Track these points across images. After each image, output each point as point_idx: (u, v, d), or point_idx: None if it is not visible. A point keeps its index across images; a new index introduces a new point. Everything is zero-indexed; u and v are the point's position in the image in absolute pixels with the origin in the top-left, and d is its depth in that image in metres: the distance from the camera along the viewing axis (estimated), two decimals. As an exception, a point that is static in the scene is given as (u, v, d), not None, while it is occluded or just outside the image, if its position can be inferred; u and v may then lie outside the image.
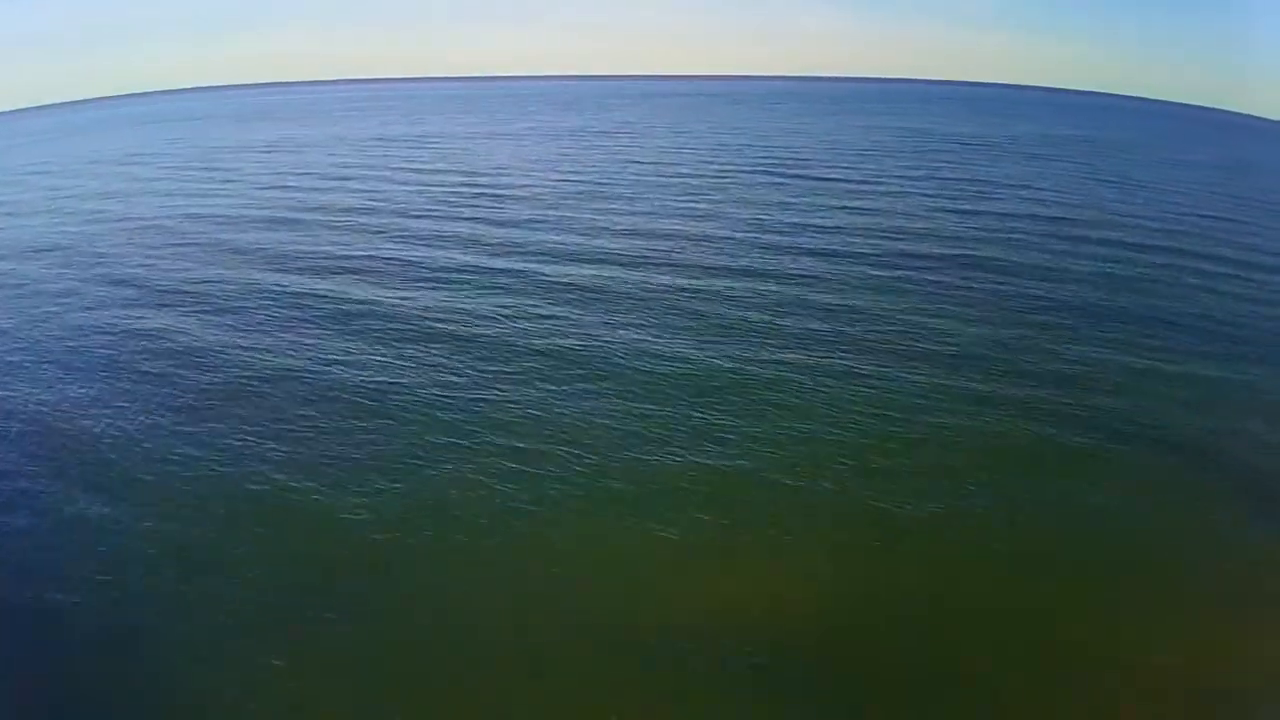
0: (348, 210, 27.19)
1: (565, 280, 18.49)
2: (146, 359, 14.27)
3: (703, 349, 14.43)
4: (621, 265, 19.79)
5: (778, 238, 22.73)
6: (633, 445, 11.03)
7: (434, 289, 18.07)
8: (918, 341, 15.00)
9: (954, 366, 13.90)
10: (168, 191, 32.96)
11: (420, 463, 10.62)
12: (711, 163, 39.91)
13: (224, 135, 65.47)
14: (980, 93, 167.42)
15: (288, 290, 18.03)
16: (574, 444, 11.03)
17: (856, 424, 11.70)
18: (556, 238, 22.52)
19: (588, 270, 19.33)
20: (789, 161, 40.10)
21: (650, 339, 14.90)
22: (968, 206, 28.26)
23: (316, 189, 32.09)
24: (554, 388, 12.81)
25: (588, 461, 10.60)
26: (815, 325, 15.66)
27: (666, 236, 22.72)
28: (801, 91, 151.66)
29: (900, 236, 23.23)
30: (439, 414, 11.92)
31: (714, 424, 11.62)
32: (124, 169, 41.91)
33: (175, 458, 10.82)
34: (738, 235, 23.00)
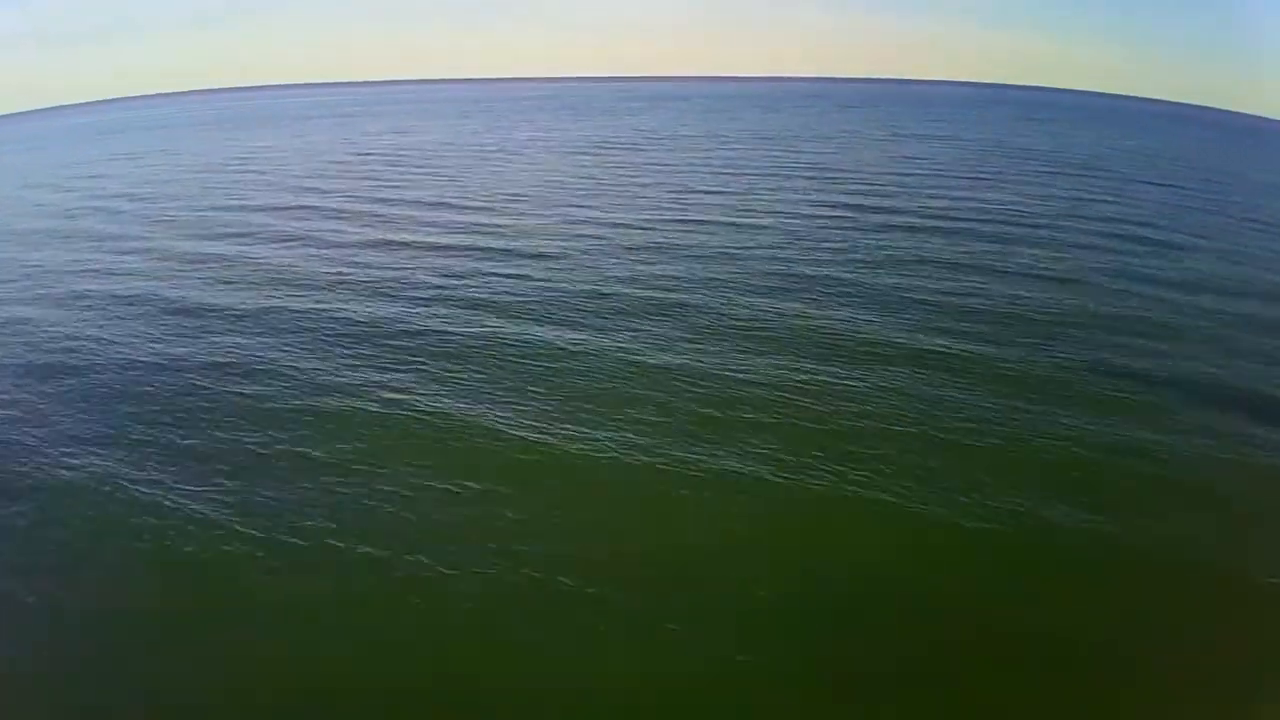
0: (273, 312, 17.91)
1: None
2: None
3: None
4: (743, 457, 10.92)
5: (965, 377, 13.68)
6: None
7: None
8: None
9: None
10: (30, 268, 22.44)
11: None
12: (785, 194, 30.94)
13: (188, 148, 57.21)
14: (978, 94, 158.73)
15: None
16: None
17: None
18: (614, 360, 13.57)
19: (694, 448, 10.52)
20: (878, 194, 31.21)
21: None
22: (1178, 295, 19.17)
23: (258, 250, 23.12)
24: None
25: None
26: None
27: (793, 390, 13.60)
28: (821, 93, 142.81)
29: (1175, 367, 14.37)
30: None
31: None
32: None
33: None
34: (892, 368, 14.04)
